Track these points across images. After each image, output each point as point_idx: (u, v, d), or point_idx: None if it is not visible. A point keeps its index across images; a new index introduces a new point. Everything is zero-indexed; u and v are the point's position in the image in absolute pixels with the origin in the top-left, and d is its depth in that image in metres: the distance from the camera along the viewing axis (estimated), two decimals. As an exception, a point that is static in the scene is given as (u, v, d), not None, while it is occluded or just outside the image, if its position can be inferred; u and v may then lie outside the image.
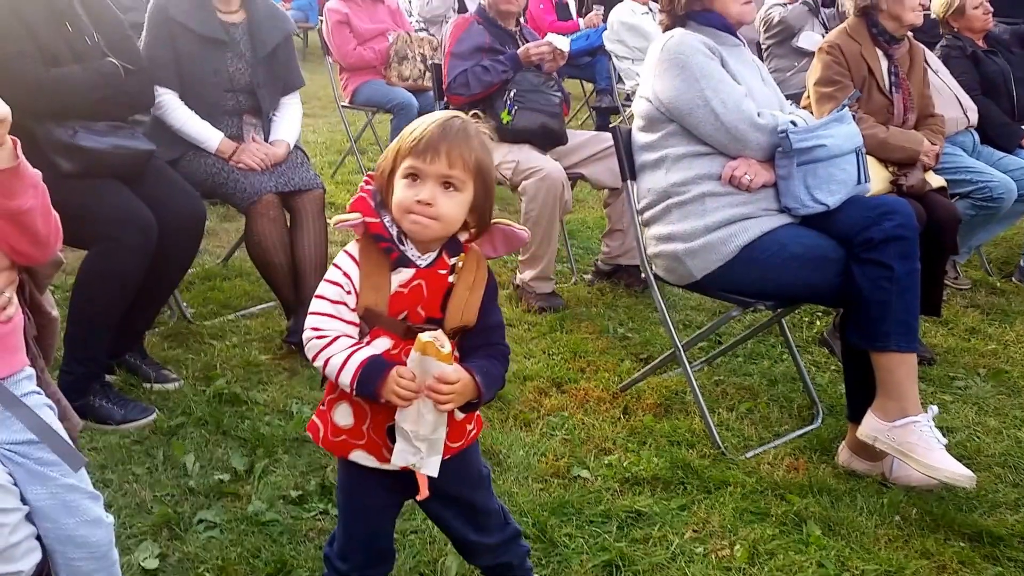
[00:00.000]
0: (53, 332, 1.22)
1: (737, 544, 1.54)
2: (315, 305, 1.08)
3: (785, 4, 4.51)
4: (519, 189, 2.68)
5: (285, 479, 1.70)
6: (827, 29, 3.91)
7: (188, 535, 1.51)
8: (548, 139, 2.78)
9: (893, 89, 2.48)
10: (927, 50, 2.84)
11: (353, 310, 1.06)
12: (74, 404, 1.79)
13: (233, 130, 2.37)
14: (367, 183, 1.09)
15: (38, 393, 1.09)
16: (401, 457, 1.05)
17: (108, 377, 2.01)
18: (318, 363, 1.06)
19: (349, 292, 1.06)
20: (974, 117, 2.96)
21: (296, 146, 2.49)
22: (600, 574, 1.46)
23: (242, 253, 2.68)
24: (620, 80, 4.81)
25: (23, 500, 1.03)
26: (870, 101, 2.46)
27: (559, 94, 2.88)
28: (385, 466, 1.09)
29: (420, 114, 3.94)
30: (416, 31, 4.35)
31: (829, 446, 1.91)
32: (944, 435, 1.68)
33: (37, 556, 1.04)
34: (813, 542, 1.55)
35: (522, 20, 3.13)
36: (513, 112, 2.78)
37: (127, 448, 1.79)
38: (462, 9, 5.69)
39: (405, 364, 1.02)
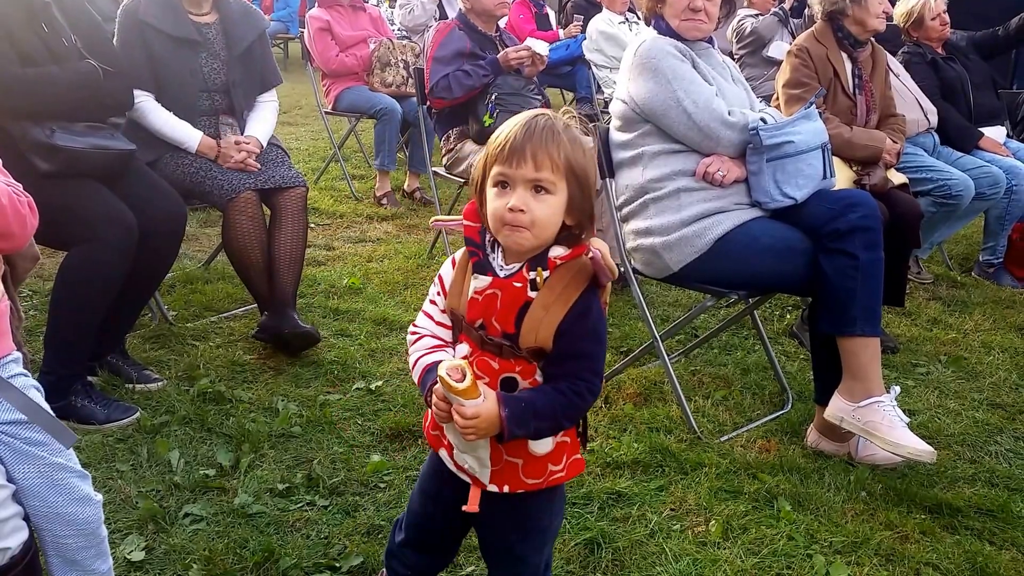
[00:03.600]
0: (16, 327, 1.23)
1: (712, 520, 1.59)
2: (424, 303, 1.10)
3: (756, 15, 4.65)
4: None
5: (271, 473, 1.70)
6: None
7: (174, 528, 1.51)
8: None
9: (857, 91, 2.58)
10: (889, 55, 2.97)
11: (443, 311, 1.07)
12: (56, 405, 1.79)
13: (210, 130, 2.37)
14: None
15: (25, 375, 1.10)
16: (460, 457, 1.06)
17: (90, 378, 1.99)
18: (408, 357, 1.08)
19: (439, 293, 1.08)
20: (934, 119, 3.09)
21: (277, 145, 2.49)
22: (582, 551, 1.50)
23: (223, 257, 2.66)
24: (599, 89, 4.90)
25: (11, 480, 1.04)
26: (835, 102, 2.57)
27: (539, 98, 2.95)
28: (458, 473, 1.08)
29: (404, 120, 4.04)
30: (398, 39, 4.38)
31: (798, 429, 1.97)
32: (907, 417, 1.76)
33: (24, 535, 1.04)
34: (784, 517, 1.61)
35: (501, 25, 3.19)
36: (495, 115, 2.84)
37: (110, 447, 1.78)
38: (443, 18, 5.74)
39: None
